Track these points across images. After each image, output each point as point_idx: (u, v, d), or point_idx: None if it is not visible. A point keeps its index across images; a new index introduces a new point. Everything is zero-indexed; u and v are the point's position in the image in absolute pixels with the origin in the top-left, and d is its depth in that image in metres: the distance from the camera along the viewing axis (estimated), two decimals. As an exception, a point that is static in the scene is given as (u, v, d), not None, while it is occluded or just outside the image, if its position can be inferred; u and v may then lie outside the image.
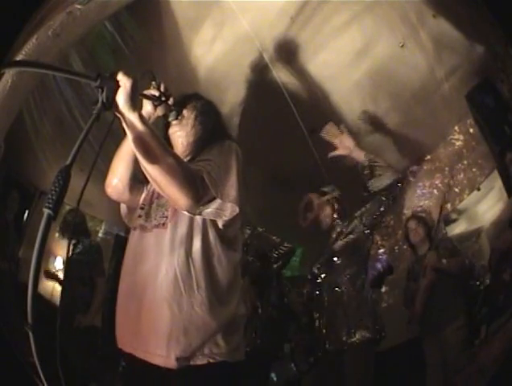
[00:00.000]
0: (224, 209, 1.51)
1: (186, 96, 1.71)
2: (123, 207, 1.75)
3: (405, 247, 2.41)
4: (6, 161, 2.44)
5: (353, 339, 2.18)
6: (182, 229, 1.53)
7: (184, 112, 1.66)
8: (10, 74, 2.40)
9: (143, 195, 1.69)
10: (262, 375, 2.31)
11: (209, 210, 1.51)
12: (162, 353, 1.48)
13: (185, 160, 1.61)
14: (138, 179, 1.66)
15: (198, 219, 1.54)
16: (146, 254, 1.56)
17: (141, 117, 1.36)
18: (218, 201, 1.50)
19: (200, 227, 1.54)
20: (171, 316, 1.48)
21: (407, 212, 2.35)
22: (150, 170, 1.39)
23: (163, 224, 1.56)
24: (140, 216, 1.64)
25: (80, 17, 2.32)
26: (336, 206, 2.29)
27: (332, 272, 2.27)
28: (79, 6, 2.33)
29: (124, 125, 1.35)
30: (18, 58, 2.39)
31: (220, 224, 1.56)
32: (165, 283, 1.49)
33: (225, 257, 1.56)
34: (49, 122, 2.45)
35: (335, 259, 2.26)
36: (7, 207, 2.42)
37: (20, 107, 2.47)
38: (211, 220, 1.55)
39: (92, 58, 2.39)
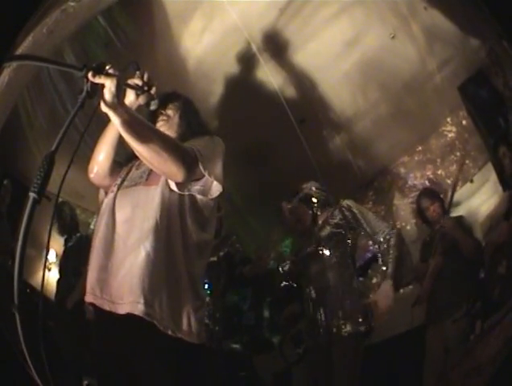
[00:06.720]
0: (209, 187, 1.59)
1: (166, 94, 1.80)
2: (101, 193, 1.81)
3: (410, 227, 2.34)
4: (1, 155, 2.48)
5: (342, 332, 2.17)
6: (159, 188, 1.60)
7: (169, 112, 1.78)
8: (8, 70, 2.45)
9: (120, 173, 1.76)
10: (246, 366, 2.30)
11: (197, 187, 1.58)
12: (128, 300, 1.54)
13: None
14: (117, 164, 1.74)
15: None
16: (123, 208, 1.64)
17: (124, 106, 1.45)
18: (205, 179, 1.57)
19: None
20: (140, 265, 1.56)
21: (398, 203, 2.32)
22: (144, 151, 1.47)
23: (140, 183, 1.66)
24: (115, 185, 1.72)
25: (73, 13, 2.36)
26: (313, 199, 2.26)
27: (318, 262, 2.26)
28: (72, 4, 2.38)
29: (111, 116, 1.43)
30: (14, 55, 2.44)
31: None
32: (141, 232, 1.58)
33: (198, 217, 1.65)
34: (43, 116, 2.48)
35: (321, 248, 2.25)
36: (1, 200, 2.44)
37: (15, 101, 2.51)
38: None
39: (85, 52, 2.43)
